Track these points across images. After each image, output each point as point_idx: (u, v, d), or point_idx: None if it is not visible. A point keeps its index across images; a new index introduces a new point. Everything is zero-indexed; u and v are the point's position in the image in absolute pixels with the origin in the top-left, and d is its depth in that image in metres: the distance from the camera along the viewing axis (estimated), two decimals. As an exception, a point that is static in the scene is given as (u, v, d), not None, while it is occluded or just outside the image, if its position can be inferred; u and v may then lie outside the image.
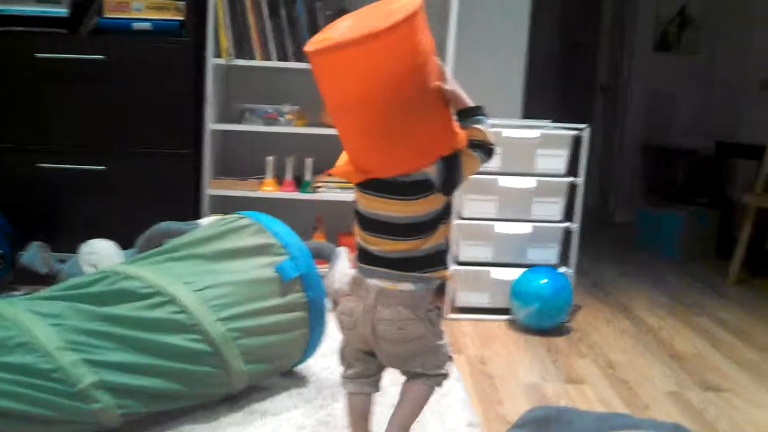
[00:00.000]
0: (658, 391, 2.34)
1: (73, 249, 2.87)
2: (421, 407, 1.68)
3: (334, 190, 3.20)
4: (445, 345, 1.69)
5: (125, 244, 2.86)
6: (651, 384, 2.40)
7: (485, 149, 1.57)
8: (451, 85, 1.52)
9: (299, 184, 3.24)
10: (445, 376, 1.68)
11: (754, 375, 2.52)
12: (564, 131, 3.06)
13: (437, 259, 1.61)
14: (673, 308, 3.33)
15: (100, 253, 2.79)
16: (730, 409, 2.21)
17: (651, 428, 1.81)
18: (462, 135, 1.56)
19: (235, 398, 2.01)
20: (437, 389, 1.68)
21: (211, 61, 3.10)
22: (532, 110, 3.86)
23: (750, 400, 2.29)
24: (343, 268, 2.94)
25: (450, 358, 1.70)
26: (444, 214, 1.60)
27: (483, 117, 1.56)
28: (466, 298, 3.05)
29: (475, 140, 1.56)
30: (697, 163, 5.08)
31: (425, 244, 1.57)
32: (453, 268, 2.95)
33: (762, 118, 4.80)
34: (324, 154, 3.38)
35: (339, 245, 3.17)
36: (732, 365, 2.61)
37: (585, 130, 2.99)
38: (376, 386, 1.71)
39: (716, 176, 4.86)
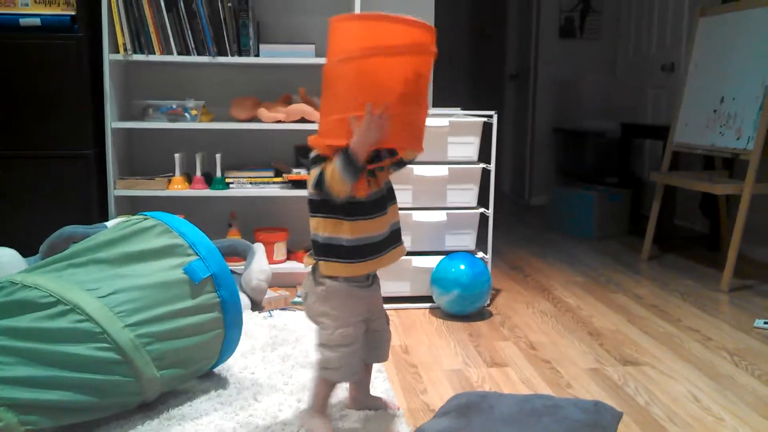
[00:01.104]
0: (579, 369, 2.36)
1: (-32, 260, 2.70)
2: (317, 392, 1.81)
3: (246, 186, 3.12)
4: (328, 330, 1.74)
5: (29, 251, 2.72)
6: (572, 362, 2.42)
7: (317, 177, 1.65)
8: (364, 123, 1.57)
9: (210, 180, 3.15)
10: (321, 367, 1.77)
11: (669, 347, 2.58)
12: (473, 119, 3.07)
13: (315, 245, 1.73)
14: (590, 287, 3.40)
15: (1, 261, 2.64)
16: (647, 382, 2.25)
17: (572, 407, 1.82)
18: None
19: (152, 405, 1.93)
20: (330, 382, 1.80)
21: (108, 57, 2.96)
22: (444, 99, 3.86)
23: (666, 372, 2.35)
24: (260, 264, 2.87)
25: (329, 363, 1.75)
26: (320, 205, 1.70)
27: (337, 159, 1.61)
28: (387, 287, 2.99)
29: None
30: (605, 144, 5.20)
31: (314, 226, 1.72)
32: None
33: (664, 100, 4.95)
34: (233, 149, 3.31)
35: (255, 241, 3.10)
36: (648, 339, 2.66)
37: (493, 117, 3.00)
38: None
39: (624, 157, 5.00)
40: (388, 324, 1.91)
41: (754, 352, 2.54)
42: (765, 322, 2.82)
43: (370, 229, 1.71)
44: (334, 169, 1.60)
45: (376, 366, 2.08)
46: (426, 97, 1.68)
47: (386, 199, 1.77)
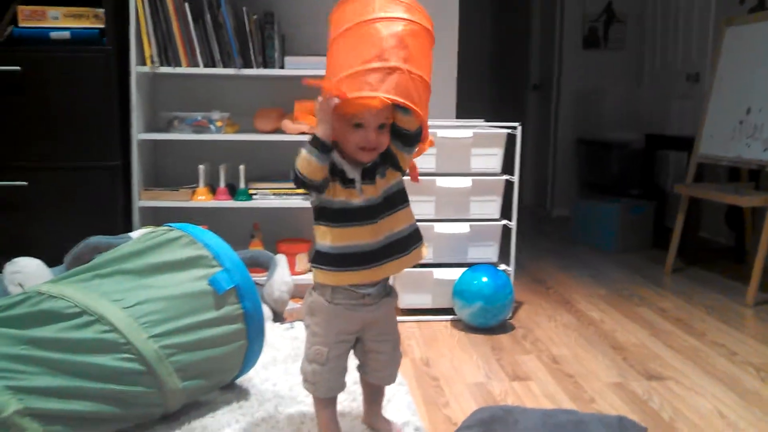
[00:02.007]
0: (602, 384, 2.34)
1: (-3, 269, 2.74)
2: (316, 413, 1.82)
3: (269, 197, 3.14)
4: (308, 342, 1.75)
5: (54, 261, 2.75)
6: (595, 376, 2.41)
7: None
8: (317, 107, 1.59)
9: (233, 191, 3.17)
10: (302, 378, 1.78)
11: (694, 362, 2.55)
12: (497, 130, 3.06)
13: (316, 254, 1.71)
14: (613, 300, 3.37)
15: (27, 271, 2.67)
16: (672, 397, 2.23)
17: (596, 422, 1.81)
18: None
19: (174, 416, 1.94)
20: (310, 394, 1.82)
21: (136, 69, 3.00)
22: (467, 109, 3.86)
23: (691, 387, 2.32)
24: (282, 276, 2.88)
25: (307, 376, 1.76)
26: (313, 212, 1.72)
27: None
28: (409, 300, 3.02)
29: None
30: (629, 155, 5.17)
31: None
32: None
33: (689, 111, 4.91)
34: (257, 161, 3.32)
35: (278, 252, 3.11)
36: (673, 353, 2.64)
37: (517, 129, 2.99)
38: (361, 371, 1.88)
39: (648, 168, 4.96)
40: (396, 347, 1.83)
41: (781, 367, 2.51)
42: (792, 338, 2.78)
43: (356, 237, 1.67)
44: (300, 153, 1.60)
45: (398, 378, 2.06)
46: (423, 66, 1.61)
47: (381, 207, 1.70)
